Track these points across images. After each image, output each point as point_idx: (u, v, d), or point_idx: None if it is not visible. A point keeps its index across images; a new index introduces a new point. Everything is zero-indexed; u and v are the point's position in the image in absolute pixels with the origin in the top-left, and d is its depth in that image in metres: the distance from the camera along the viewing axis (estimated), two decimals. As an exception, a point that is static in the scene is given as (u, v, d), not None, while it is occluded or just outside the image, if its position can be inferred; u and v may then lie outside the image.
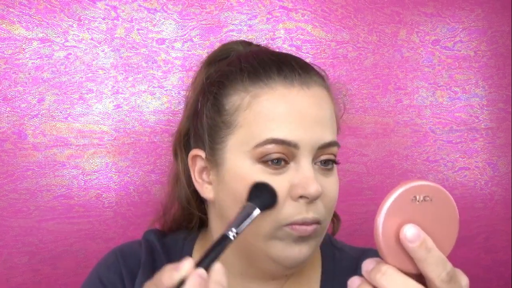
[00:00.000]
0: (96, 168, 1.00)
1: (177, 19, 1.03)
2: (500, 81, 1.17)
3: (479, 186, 1.17)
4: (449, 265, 0.45)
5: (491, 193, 1.17)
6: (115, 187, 1.01)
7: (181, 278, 0.46)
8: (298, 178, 0.60)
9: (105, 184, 1.00)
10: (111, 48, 1.00)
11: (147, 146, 1.02)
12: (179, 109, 1.03)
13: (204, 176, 0.68)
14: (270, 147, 0.60)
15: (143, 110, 1.02)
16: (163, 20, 1.03)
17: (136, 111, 1.02)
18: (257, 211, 0.56)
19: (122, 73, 1.01)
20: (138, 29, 1.01)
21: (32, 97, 0.97)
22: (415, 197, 0.46)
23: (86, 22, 0.99)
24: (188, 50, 1.03)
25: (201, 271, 0.46)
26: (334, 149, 0.64)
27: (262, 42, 1.08)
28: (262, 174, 0.60)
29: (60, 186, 0.98)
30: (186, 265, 0.46)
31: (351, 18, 1.10)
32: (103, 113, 1.00)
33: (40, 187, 0.97)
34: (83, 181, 0.99)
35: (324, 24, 1.09)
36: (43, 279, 0.97)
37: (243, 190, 0.60)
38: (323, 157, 0.62)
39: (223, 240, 0.51)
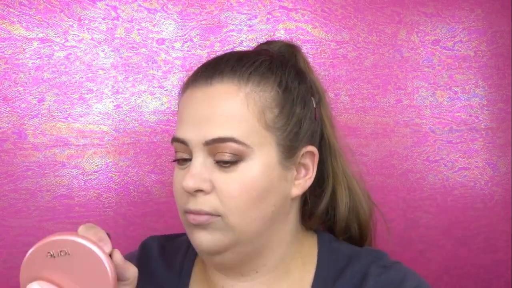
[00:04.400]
0: (96, 168, 1.00)
1: (177, 19, 1.03)
2: (500, 81, 1.17)
3: (479, 186, 1.16)
4: None
5: (491, 193, 1.17)
6: (115, 187, 1.01)
7: None
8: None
9: (105, 184, 1.00)
10: (111, 48, 1.00)
11: (147, 146, 1.02)
12: (179, 109, 1.03)
13: None
14: (175, 145, 0.65)
15: (143, 110, 1.02)
16: (163, 20, 1.03)
17: (136, 111, 1.02)
18: None
19: (122, 73, 1.01)
20: (138, 29, 1.01)
21: (32, 97, 0.97)
22: (49, 252, 0.47)
23: (86, 22, 0.99)
24: (188, 50, 1.03)
25: None
26: (229, 145, 0.61)
27: (262, 42, 1.08)
28: (177, 172, 0.66)
29: (60, 186, 0.98)
30: None
31: (351, 18, 1.10)
32: (103, 113, 1.00)
33: (40, 187, 0.97)
34: (83, 181, 0.99)
35: (324, 24, 1.09)
36: (43, 279, 0.97)
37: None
38: (219, 156, 0.61)
39: None
